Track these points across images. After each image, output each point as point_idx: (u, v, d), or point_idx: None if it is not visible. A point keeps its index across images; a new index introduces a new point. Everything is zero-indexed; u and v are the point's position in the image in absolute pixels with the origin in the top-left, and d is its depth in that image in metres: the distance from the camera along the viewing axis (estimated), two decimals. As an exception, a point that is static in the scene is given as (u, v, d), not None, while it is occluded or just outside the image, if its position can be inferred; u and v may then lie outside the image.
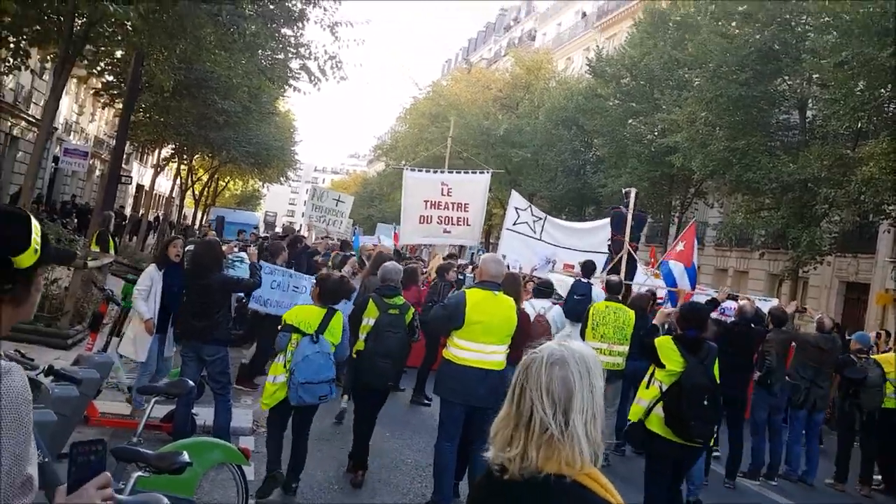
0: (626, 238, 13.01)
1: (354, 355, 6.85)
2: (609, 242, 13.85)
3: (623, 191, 13.86)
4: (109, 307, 8.54)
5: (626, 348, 8.84)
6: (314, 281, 7.05)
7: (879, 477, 9.74)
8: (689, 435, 5.66)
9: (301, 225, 23.48)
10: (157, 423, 6.95)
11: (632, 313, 9.02)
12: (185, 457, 3.43)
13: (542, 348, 1.87)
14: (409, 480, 7.03)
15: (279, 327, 6.19)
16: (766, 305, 12.75)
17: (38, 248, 1.72)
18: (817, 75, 18.20)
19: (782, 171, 18.14)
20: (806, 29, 19.16)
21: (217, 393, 6.89)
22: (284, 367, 5.96)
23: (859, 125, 17.05)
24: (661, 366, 5.88)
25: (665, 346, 5.92)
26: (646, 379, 6.07)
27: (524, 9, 65.89)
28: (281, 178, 41.55)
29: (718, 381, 5.89)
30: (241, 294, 9.95)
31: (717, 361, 5.95)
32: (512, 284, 7.03)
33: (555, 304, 10.07)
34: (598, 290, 10.34)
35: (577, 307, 9.68)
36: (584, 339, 9.00)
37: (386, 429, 8.15)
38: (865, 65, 14.73)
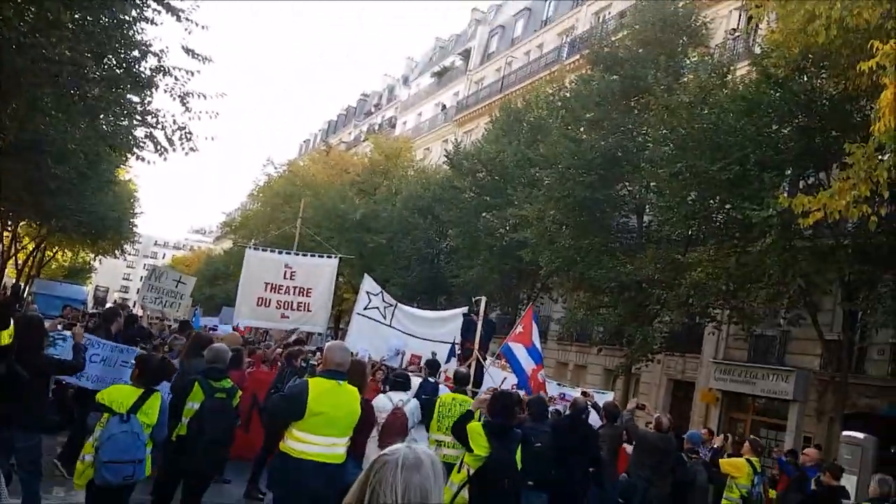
0: (477, 346, 13.10)
1: (174, 439, 6.47)
2: (458, 345, 13.95)
3: (473, 299, 14.07)
4: None
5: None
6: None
7: None
8: None
9: (135, 302, 22.11)
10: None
11: (469, 400, 8.86)
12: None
13: (394, 450, 1.81)
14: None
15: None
16: (602, 399, 13.09)
17: None
18: (654, 183, 19.34)
19: (620, 271, 18.96)
20: (646, 139, 20.49)
21: (24, 482, 6.30)
22: (93, 445, 5.87)
23: (690, 232, 18.17)
24: (470, 450, 6.21)
25: (474, 431, 6.30)
26: (457, 464, 6.37)
27: (385, 96, 67.32)
28: (116, 252, 39.14)
29: (520, 468, 6.24)
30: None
31: (520, 448, 6.31)
32: (357, 372, 6.68)
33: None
34: (444, 389, 10.21)
35: (423, 408, 9.45)
36: (428, 432, 8.79)
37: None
38: (697, 176, 15.76)
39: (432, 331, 15.38)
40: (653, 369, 23.96)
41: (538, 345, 13.98)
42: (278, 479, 5.69)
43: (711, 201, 16.42)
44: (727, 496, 9.68)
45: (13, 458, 6.34)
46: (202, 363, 7.46)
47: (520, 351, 13.30)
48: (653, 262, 18.33)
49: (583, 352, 28.68)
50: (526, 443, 6.68)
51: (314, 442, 5.56)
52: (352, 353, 13.72)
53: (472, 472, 6.04)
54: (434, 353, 13.77)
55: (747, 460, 9.75)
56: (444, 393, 9.21)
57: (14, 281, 40.20)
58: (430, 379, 11.02)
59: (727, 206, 15.93)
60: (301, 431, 5.59)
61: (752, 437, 11.65)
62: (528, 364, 13.40)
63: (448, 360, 13.79)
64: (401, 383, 8.99)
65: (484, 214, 27.07)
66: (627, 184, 21.62)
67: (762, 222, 13.66)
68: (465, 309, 16.07)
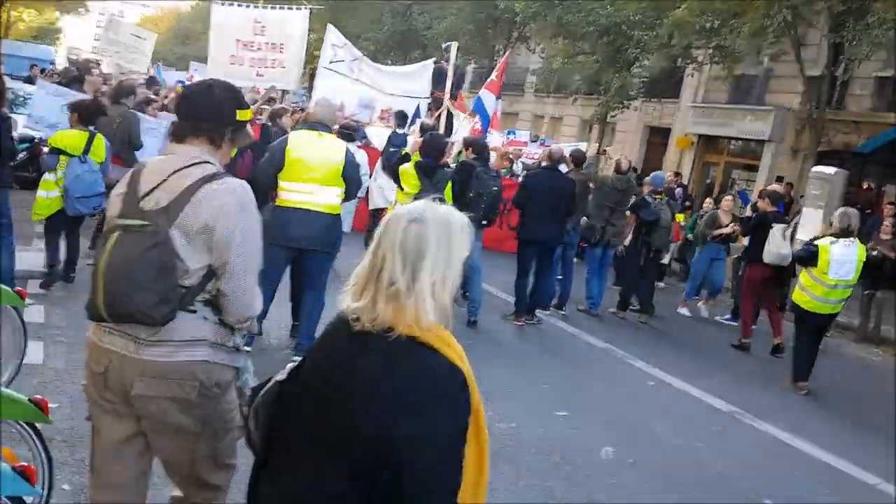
0: (447, 95, 12.82)
1: None
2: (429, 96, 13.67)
3: (443, 45, 13.54)
4: None
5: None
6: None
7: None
8: None
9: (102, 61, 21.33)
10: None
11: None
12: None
13: (407, 206, 1.85)
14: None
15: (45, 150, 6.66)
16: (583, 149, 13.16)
17: None
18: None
19: (600, 13, 18.40)
20: None
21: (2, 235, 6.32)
22: (57, 184, 6.73)
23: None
24: (402, 188, 6.83)
25: (406, 172, 6.85)
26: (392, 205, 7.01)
27: None
28: (79, 9, 37.24)
29: (452, 202, 6.57)
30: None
31: (449, 185, 6.87)
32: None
33: (359, 147, 10.20)
34: (412, 140, 10.17)
35: (391, 158, 9.44)
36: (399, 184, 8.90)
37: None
38: None
39: (401, 85, 15.10)
40: (629, 117, 23.98)
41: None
42: (271, 229, 5.56)
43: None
44: None
45: None
46: (122, 111, 8.35)
47: (488, 98, 13.16)
48: (634, 1, 17.73)
49: (559, 103, 28.51)
50: (464, 182, 7.16)
51: (298, 190, 5.73)
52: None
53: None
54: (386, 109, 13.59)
55: None
56: (401, 144, 9.26)
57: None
58: (398, 131, 11.00)
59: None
60: (285, 181, 5.76)
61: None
62: (491, 108, 13.28)
63: (416, 116, 13.64)
64: (347, 135, 8.86)
65: (457, -41, 25.64)
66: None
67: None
68: (433, 60, 15.69)
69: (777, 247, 8.96)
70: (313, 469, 1.76)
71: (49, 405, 3.00)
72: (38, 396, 2.98)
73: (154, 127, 9.86)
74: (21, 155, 9.32)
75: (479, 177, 7.95)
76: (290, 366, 1.95)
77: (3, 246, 6.35)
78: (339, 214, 5.98)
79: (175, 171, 2.46)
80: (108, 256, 2.39)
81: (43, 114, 9.48)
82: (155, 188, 2.45)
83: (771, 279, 9.30)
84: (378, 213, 9.83)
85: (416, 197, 6.30)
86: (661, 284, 12.46)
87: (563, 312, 9.62)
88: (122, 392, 2.46)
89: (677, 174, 18.01)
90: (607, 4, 18.39)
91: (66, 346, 5.50)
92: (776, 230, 9.00)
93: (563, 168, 9.53)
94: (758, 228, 9.33)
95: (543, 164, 9.59)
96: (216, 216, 2.42)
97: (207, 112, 2.57)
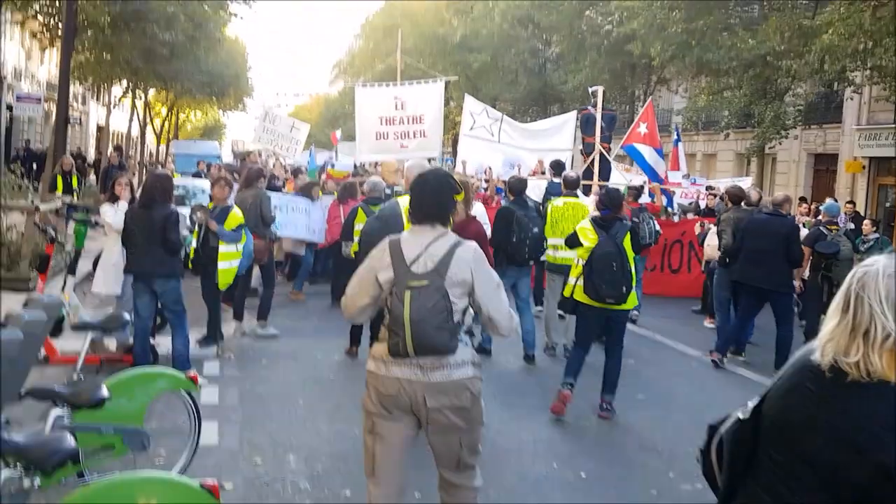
0: (597, 139, 12.79)
1: (353, 256, 7.73)
2: (580, 147, 13.71)
3: (589, 90, 13.62)
4: (56, 247, 8.41)
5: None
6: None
7: None
8: (600, 297, 6.49)
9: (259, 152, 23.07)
10: (119, 356, 6.94)
11: (586, 209, 8.86)
12: (103, 391, 3.37)
13: (874, 261, 1.98)
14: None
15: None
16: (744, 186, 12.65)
17: None
18: (771, -56, 17.72)
19: (742, 48, 17.83)
20: None
21: (172, 322, 6.92)
22: (239, 254, 7.82)
23: (816, -9, 16.72)
24: (581, 245, 6.79)
25: (582, 228, 6.87)
26: (575, 261, 7.02)
27: None
28: (239, 105, 40.84)
29: (631, 254, 6.73)
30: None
31: (629, 236, 6.78)
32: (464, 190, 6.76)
33: None
34: (593, 199, 10.07)
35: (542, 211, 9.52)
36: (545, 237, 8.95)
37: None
38: (819, -72, 14.29)
39: (544, 142, 15.22)
40: (789, 146, 22.90)
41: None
42: None
43: (838, -48, 14.87)
44: None
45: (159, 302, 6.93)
46: (254, 192, 8.88)
47: (647, 152, 13.09)
48: (777, 32, 17.09)
49: (710, 140, 27.69)
50: (633, 231, 7.09)
51: None
52: (468, 174, 13.94)
53: (583, 263, 6.64)
54: (540, 161, 13.68)
55: None
56: (555, 199, 9.22)
57: (156, 145, 43.01)
58: (554, 180, 10.98)
59: (856, -45, 14.41)
60: None
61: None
62: (658, 165, 13.22)
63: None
64: (375, 198, 8.96)
65: (586, 13, 25.84)
66: (742, -50, 19.90)
67: (896, -35, 12.33)
68: (574, 114, 15.73)
69: None
70: (805, 490, 1.97)
71: (223, 486, 3.22)
72: (210, 481, 3.19)
73: (287, 203, 10.81)
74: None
75: (519, 221, 8.10)
76: (750, 404, 2.13)
77: (178, 333, 6.88)
78: None
79: (431, 243, 3.48)
80: (409, 310, 3.33)
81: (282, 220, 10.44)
82: (419, 256, 3.44)
83: None
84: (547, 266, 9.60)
85: (594, 249, 6.60)
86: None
87: (742, 357, 9.14)
88: (408, 406, 3.44)
89: (850, 202, 16.93)
90: (748, 38, 17.78)
91: (239, 426, 5.83)
92: None
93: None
94: None
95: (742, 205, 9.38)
96: (469, 269, 3.45)
97: (436, 206, 3.59)
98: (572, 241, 7.02)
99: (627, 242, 6.78)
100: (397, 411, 3.46)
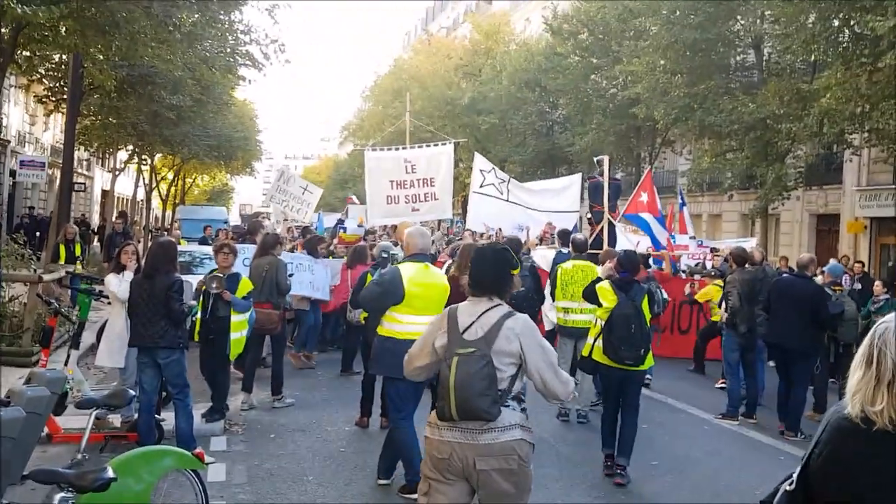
0: (606, 207, 12.94)
1: (362, 322, 8.04)
2: (588, 214, 13.87)
3: (595, 159, 13.85)
4: (59, 320, 8.33)
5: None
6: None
7: None
8: (619, 358, 6.64)
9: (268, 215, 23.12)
10: (124, 433, 6.84)
11: (597, 270, 8.92)
12: (109, 473, 3.33)
13: (892, 317, 2.13)
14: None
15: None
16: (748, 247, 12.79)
17: None
18: (769, 12, 18.12)
19: (743, 111, 18.11)
20: (754, -36, 19.05)
21: (175, 397, 6.74)
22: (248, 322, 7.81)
23: (813, 57, 16.96)
24: (600, 305, 7.01)
25: (602, 288, 7.07)
26: (593, 321, 7.23)
27: (478, -28, 65.05)
28: (248, 169, 41.06)
29: (648, 316, 6.95)
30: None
31: (646, 300, 6.96)
32: (469, 255, 6.73)
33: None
34: (608, 267, 10.14)
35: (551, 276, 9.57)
36: (553, 300, 8.98)
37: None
38: (814, -4, 14.62)
39: (551, 202, 15.36)
40: (792, 207, 23.11)
41: (661, 210, 13.89)
42: (389, 363, 5.89)
43: (834, 20, 15.17)
44: None
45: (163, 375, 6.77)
46: (270, 260, 8.82)
47: (650, 219, 13.33)
48: (776, 96, 17.43)
49: (715, 201, 27.84)
50: (650, 296, 7.15)
51: (416, 322, 5.81)
52: (477, 232, 14.00)
53: (602, 323, 6.83)
54: (549, 223, 13.81)
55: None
56: (565, 262, 9.27)
57: (162, 210, 43.13)
58: (562, 250, 11.05)
59: (851, 23, 14.69)
60: (402, 314, 5.97)
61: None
62: (661, 234, 13.40)
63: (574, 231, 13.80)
64: (384, 259, 9.01)
65: (592, 77, 26.27)
66: (739, 18, 20.38)
67: (889, 33, 12.61)
68: (580, 176, 15.92)
69: None
70: None
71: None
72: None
73: (298, 262, 10.79)
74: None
75: None
76: (794, 474, 2.22)
77: (181, 410, 6.65)
78: None
79: (483, 313, 3.72)
80: (454, 375, 3.55)
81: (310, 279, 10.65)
82: (472, 325, 3.69)
83: None
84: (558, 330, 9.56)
85: (613, 310, 6.78)
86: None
87: (753, 420, 9.13)
88: (460, 469, 3.59)
89: (859, 262, 16.94)
90: (748, 102, 18.07)
91: (247, 504, 5.71)
92: None
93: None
94: None
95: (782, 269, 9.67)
96: (518, 339, 3.66)
97: (492, 279, 3.84)
98: (591, 298, 7.23)
99: (645, 305, 6.95)
100: (451, 476, 3.63)
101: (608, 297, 6.95)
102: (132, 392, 5.28)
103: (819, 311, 8.69)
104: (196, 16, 12.36)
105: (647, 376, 9.45)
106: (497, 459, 3.56)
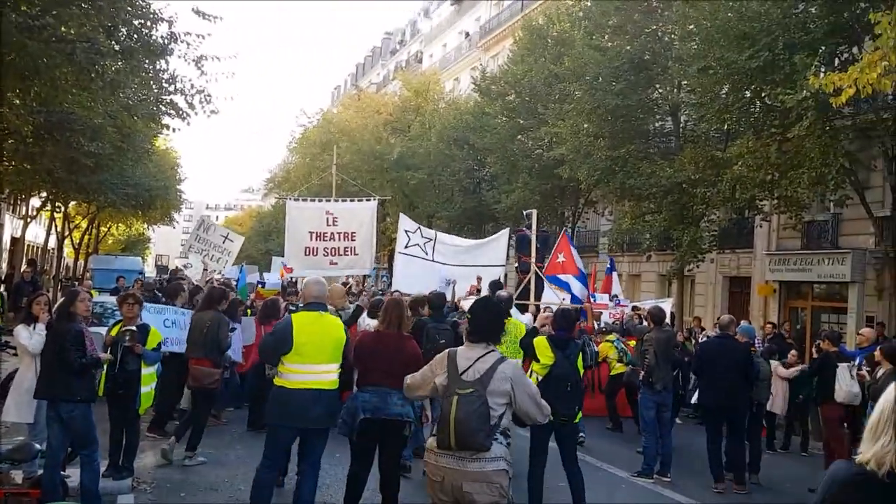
0: (533, 259, 13.17)
1: None
2: (516, 264, 14.06)
3: (525, 213, 14.20)
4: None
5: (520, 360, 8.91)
6: None
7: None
8: (554, 414, 6.58)
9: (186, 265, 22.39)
10: (26, 490, 6.50)
11: (523, 326, 9.04)
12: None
13: None
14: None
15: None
16: (666, 306, 13.19)
17: None
18: (685, 82, 18.96)
19: (661, 175, 18.75)
20: (672, 38, 19.97)
21: (80, 453, 6.48)
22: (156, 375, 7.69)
23: (726, 126, 17.80)
24: (537, 360, 7.13)
25: (540, 344, 7.21)
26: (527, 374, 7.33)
27: (409, 31, 66.36)
28: (166, 220, 40.10)
29: (581, 373, 7.30)
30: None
31: (581, 356, 7.23)
32: (396, 310, 6.64)
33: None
34: (514, 312, 10.25)
35: None
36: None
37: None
38: (727, 68, 15.32)
39: (476, 258, 15.49)
40: (707, 269, 23.83)
41: (582, 268, 14.18)
42: (277, 412, 6.07)
43: (746, 92, 15.99)
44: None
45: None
46: (213, 315, 8.72)
47: (570, 280, 13.65)
48: (692, 162, 18.15)
49: (635, 261, 28.54)
50: (583, 351, 7.47)
51: (309, 371, 5.97)
52: (402, 292, 14.02)
53: (539, 378, 6.98)
54: (479, 278, 13.97)
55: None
56: (516, 318, 9.39)
57: (73, 260, 41.59)
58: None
59: (762, 95, 15.50)
60: (293, 363, 6.01)
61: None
62: (581, 292, 13.69)
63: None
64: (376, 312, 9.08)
65: (518, 137, 26.88)
66: (658, 86, 21.26)
67: (797, 105, 13.28)
68: (507, 230, 16.19)
69: (848, 385, 9.08)
70: None
71: None
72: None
73: (236, 327, 10.36)
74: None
75: (428, 333, 8.47)
76: None
77: (86, 466, 6.39)
78: (337, 389, 6.17)
79: (479, 357, 4.34)
80: (455, 412, 4.16)
81: (166, 335, 9.85)
82: (469, 367, 4.30)
83: (843, 418, 9.41)
84: None
85: (551, 368, 7.01)
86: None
87: (668, 479, 9.26)
88: (452, 492, 4.22)
89: (770, 323, 17.54)
90: (666, 167, 18.77)
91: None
92: (842, 369, 9.13)
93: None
94: (824, 369, 9.66)
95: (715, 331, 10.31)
96: (510, 382, 4.31)
97: (488, 328, 4.49)
98: (528, 350, 7.41)
99: (580, 362, 7.23)
100: (444, 496, 4.27)
101: (545, 354, 7.11)
102: (38, 446, 5.03)
103: (748, 370, 9.28)
104: (120, 63, 12.14)
105: (581, 434, 9.61)
106: (482, 485, 4.16)
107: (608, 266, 18.68)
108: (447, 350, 4.55)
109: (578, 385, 7.15)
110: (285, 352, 5.99)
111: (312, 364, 5.96)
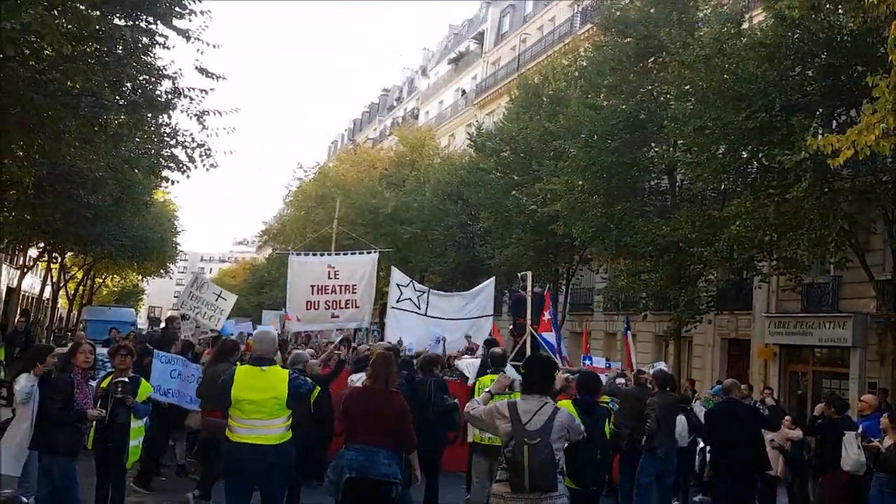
0: (528, 321, 13.13)
1: None
2: (510, 326, 14.06)
3: (519, 275, 14.20)
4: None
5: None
6: None
7: None
8: (583, 482, 6.71)
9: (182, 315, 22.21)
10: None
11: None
12: None
13: None
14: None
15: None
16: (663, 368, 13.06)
17: None
18: (681, 141, 19.02)
19: (656, 233, 18.70)
20: (667, 98, 20.19)
21: None
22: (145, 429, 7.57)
23: (723, 186, 17.87)
24: None
25: (567, 408, 6.80)
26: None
27: (406, 89, 67.26)
28: (161, 271, 40.05)
29: (608, 438, 7.26)
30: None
31: (608, 422, 7.17)
32: (384, 366, 6.43)
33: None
34: (510, 370, 10.10)
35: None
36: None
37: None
38: (724, 128, 15.45)
39: (467, 309, 15.46)
40: (704, 330, 23.51)
41: (556, 321, 14.28)
42: (225, 466, 6.22)
43: (743, 152, 16.10)
44: None
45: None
46: (226, 367, 8.06)
47: (550, 337, 13.71)
48: (688, 221, 18.07)
49: (630, 320, 28.33)
50: (609, 417, 7.43)
51: (248, 426, 5.99)
52: (398, 346, 13.92)
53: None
54: (468, 337, 13.88)
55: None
56: (484, 376, 9.20)
57: (67, 310, 41.32)
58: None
59: (759, 155, 15.61)
60: (235, 417, 6.06)
61: None
62: (555, 344, 13.80)
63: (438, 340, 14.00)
64: (362, 366, 9.03)
65: (513, 193, 26.93)
66: (654, 145, 21.33)
67: (795, 167, 13.30)
68: (492, 279, 16.22)
69: (856, 454, 8.74)
70: None
71: None
72: None
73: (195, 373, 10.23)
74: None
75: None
76: None
77: None
78: (289, 441, 6.12)
79: (539, 409, 5.15)
80: (528, 460, 4.91)
81: (169, 386, 9.75)
82: (531, 418, 5.07)
83: (848, 487, 9.01)
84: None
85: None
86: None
87: None
88: None
89: (768, 388, 17.36)
90: (662, 225, 18.76)
91: None
92: (850, 437, 8.82)
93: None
94: (828, 435, 9.31)
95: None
96: (567, 428, 5.23)
97: (541, 382, 5.34)
98: None
99: (606, 428, 7.07)
100: None
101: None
102: (25, 500, 4.93)
103: (760, 427, 9.30)
104: (123, 117, 12.22)
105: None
106: None
107: (624, 327, 18.55)
108: (506, 402, 5.29)
109: (607, 452, 7.08)
110: (225, 406, 6.08)
111: (253, 419, 5.97)
